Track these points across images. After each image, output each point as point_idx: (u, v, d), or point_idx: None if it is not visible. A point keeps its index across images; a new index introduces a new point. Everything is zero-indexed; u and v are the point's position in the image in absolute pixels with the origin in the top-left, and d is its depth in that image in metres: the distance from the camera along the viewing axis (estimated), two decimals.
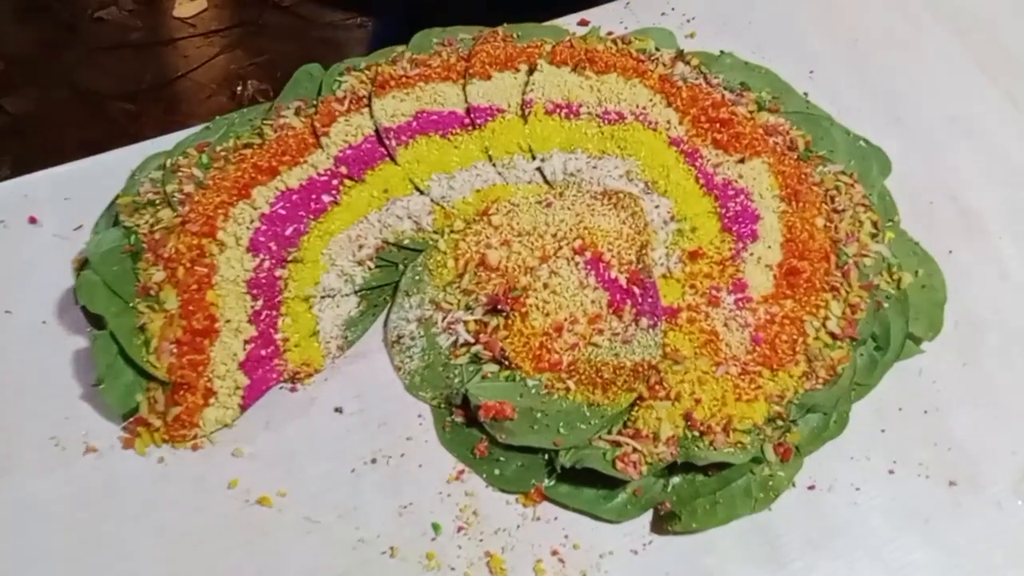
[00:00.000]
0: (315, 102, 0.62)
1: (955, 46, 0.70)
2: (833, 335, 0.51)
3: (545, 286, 0.53)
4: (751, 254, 0.54)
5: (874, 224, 0.56)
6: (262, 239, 0.55)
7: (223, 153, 0.59)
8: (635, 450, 0.48)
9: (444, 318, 0.54)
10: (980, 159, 0.63)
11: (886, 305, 0.53)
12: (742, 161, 0.58)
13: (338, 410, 0.52)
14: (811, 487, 0.49)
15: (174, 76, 1.66)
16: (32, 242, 0.58)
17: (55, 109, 1.59)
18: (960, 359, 0.54)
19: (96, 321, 0.53)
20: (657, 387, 0.49)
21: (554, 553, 0.47)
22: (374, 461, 0.50)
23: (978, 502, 0.50)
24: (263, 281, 0.54)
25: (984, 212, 0.61)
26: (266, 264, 0.55)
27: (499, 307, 0.52)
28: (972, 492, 0.50)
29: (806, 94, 0.65)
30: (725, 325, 0.51)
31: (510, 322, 0.52)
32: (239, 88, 1.64)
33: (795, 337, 0.51)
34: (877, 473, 0.50)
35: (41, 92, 1.62)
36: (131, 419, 0.51)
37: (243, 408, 0.51)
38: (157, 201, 0.57)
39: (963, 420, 0.52)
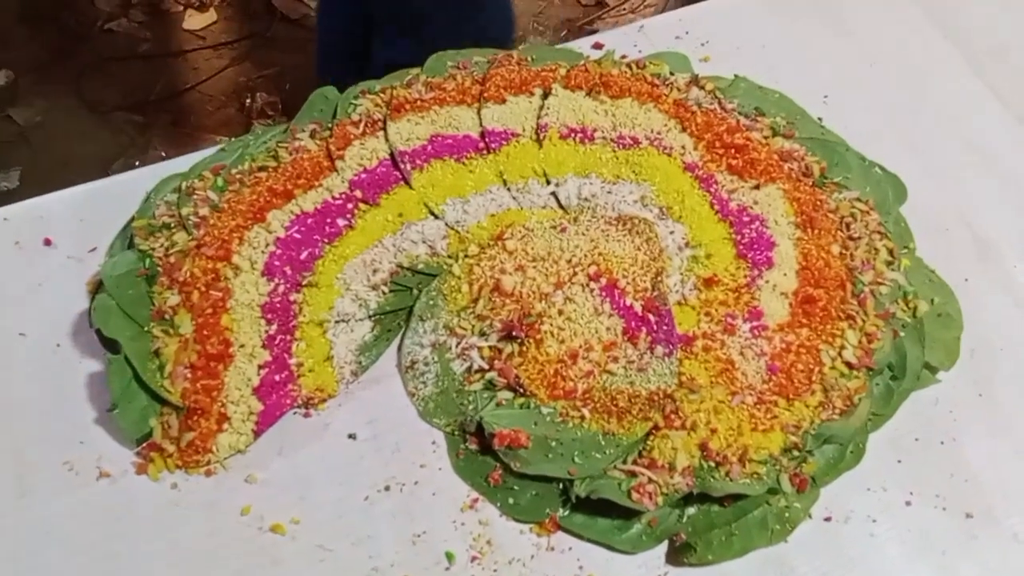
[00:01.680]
0: (330, 125, 0.63)
1: (969, 72, 0.70)
2: (849, 364, 0.51)
3: (560, 312, 0.53)
4: (767, 281, 0.54)
5: (890, 252, 0.56)
6: (277, 263, 0.55)
7: (238, 176, 0.60)
8: (650, 480, 0.47)
9: (458, 344, 0.53)
10: (995, 185, 0.63)
11: (902, 334, 0.53)
12: (757, 187, 0.58)
13: (351, 436, 0.52)
14: (827, 518, 0.49)
15: (183, 88, 1.66)
16: (47, 264, 0.58)
17: (63, 119, 1.59)
18: (976, 389, 0.54)
19: (111, 344, 0.53)
20: (672, 416, 0.49)
21: None
22: (387, 488, 0.50)
23: (994, 535, 0.49)
24: (277, 305, 0.54)
25: (999, 239, 0.60)
26: (281, 288, 0.55)
27: (513, 333, 0.52)
28: (988, 525, 0.49)
29: (820, 119, 0.64)
30: (741, 354, 0.51)
31: (524, 349, 0.52)
32: (248, 100, 1.64)
33: (811, 366, 0.51)
34: (894, 505, 0.50)
35: (49, 102, 1.62)
36: (145, 444, 0.51)
37: (257, 434, 0.51)
38: (172, 224, 0.57)
39: (979, 451, 0.52)
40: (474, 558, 0.48)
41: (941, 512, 0.50)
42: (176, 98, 1.66)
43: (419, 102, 0.63)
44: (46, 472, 0.50)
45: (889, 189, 0.59)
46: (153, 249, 0.56)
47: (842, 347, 0.52)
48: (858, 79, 0.68)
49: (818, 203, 0.57)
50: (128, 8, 1.83)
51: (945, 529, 0.49)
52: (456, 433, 0.51)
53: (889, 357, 0.52)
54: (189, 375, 0.51)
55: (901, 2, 0.74)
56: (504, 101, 0.62)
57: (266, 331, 0.53)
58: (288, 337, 0.54)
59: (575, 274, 0.54)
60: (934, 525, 0.49)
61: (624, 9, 1.78)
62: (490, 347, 0.53)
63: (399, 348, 0.55)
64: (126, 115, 1.63)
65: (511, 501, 0.49)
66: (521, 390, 0.51)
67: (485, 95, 0.63)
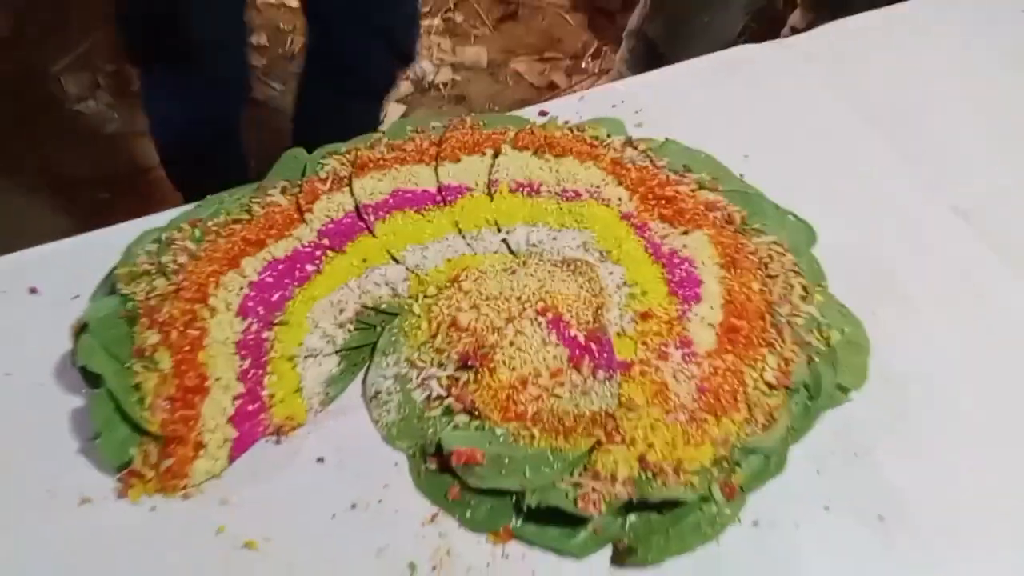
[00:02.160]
0: (300, 182, 0.69)
1: (869, 126, 0.78)
2: (770, 384, 0.57)
3: (511, 344, 0.58)
4: (695, 314, 0.61)
5: (804, 288, 0.63)
6: (251, 304, 0.60)
7: (214, 228, 0.65)
8: (595, 490, 0.52)
9: (419, 375, 0.58)
10: (893, 225, 0.71)
11: (816, 359, 0.59)
12: (686, 233, 0.65)
13: (320, 460, 0.56)
14: (755, 523, 0.54)
15: (150, 166, 1.71)
16: (31, 310, 0.62)
17: (27, 193, 1.63)
18: (885, 407, 0.60)
19: (93, 382, 0.57)
20: (614, 433, 0.54)
21: None
22: (353, 507, 0.54)
23: (907, 538, 0.55)
24: (251, 342, 0.59)
25: (905, 280, 0.68)
26: (254, 327, 0.59)
27: (469, 363, 0.57)
28: (901, 529, 0.55)
29: (742, 175, 0.72)
30: (674, 377, 0.57)
31: (479, 377, 0.57)
32: None
33: (736, 387, 0.57)
34: (814, 511, 0.55)
35: (13, 175, 1.66)
36: (125, 471, 0.54)
37: (231, 460, 0.55)
38: (153, 271, 0.62)
39: (890, 462, 0.58)
40: (435, 567, 0.52)
41: (856, 517, 0.55)
42: (143, 175, 1.72)
43: (381, 161, 0.69)
44: (29, 499, 0.53)
45: (801, 234, 0.66)
46: (134, 293, 0.61)
47: (763, 370, 0.58)
48: (774, 139, 0.77)
49: (739, 246, 0.64)
50: (96, 89, 1.90)
51: (860, 533, 0.54)
52: (417, 455, 0.56)
53: (805, 378, 0.58)
54: (168, 406, 0.55)
55: (811, 69, 0.84)
56: (459, 160, 0.69)
57: (240, 366, 0.58)
58: (261, 371, 0.58)
59: (524, 310, 0.60)
60: (850, 530, 0.55)
61: (575, 90, 1.89)
62: (448, 377, 0.58)
63: (364, 380, 0.60)
64: (92, 190, 1.67)
65: (468, 514, 0.53)
66: (476, 414, 0.56)
67: (441, 155, 0.69)
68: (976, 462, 0.58)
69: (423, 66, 2.03)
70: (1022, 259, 0.70)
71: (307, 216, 0.65)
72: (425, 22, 2.22)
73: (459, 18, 2.24)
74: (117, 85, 1.88)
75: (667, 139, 0.73)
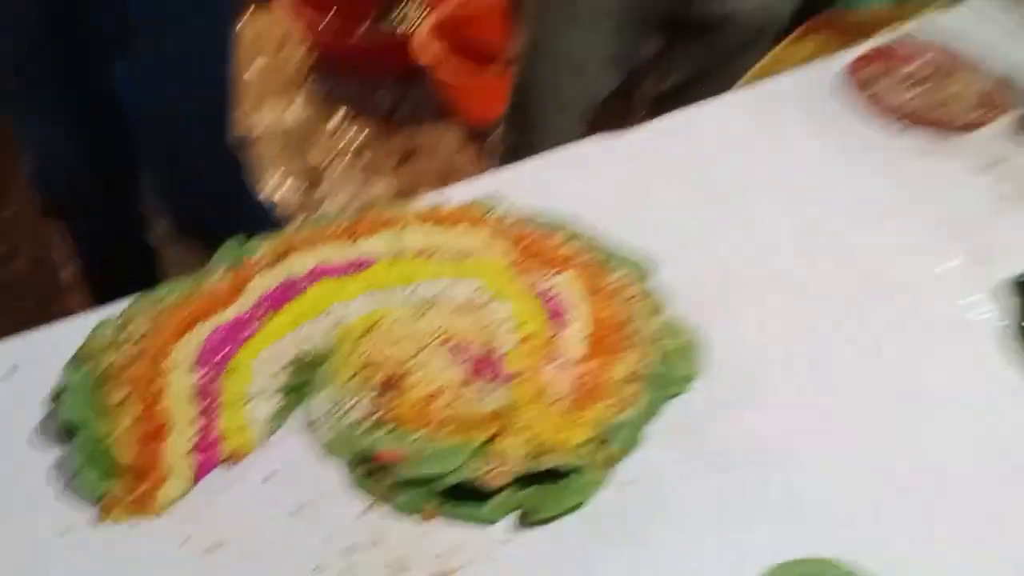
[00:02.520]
0: (237, 265, 0.82)
1: (691, 184, 0.98)
2: (628, 378, 0.72)
3: (421, 369, 0.72)
4: (568, 333, 0.76)
5: (653, 308, 0.79)
6: (204, 358, 0.72)
7: (168, 306, 0.77)
8: (497, 469, 0.65)
9: (348, 401, 0.71)
10: (721, 265, 0.89)
11: (664, 357, 0.75)
12: (557, 274, 0.81)
13: (269, 476, 0.68)
14: (622, 484, 0.68)
15: None
16: (5, 385, 0.73)
17: None
18: (724, 390, 0.76)
19: (68, 434, 0.68)
20: (508, 425, 0.68)
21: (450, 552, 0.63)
22: (302, 508, 0.65)
23: (742, 485, 0.69)
24: (205, 389, 0.71)
25: (733, 292, 0.85)
26: (207, 376, 0.72)
27: (388, 387, 0.71)
28: (740, 478, 0.69)
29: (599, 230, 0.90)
30: (552, 379, 0.71)
31: (397, 396, 0.70)
32: None
33: (602, 382, 0.72)
34: (676, 476, 0.69)
35: None
36: (102, 501, 0.65)
37: (194, 483, 0.66)
38: (117, 342, 0.74)
39: (735, 431, 0.73)
40: (375, 543, 0.63)
41: (699, 475, 0.69)
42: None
43: (306, 242, 0.84)
44: (10, 538, 0.63)
45: (645, 267, 0.83)
46: (101, 362, 0.72)
47: (623, 367, 0.73)
48: (622, 203, 0.94)
49: (599, 280, 0.81)
50: None
51: (705, 483, 0.69)
52: (352, 462, 0.68)
53: (658, 371, 0.73)
54: (137, 445, 0.66)
55: (653, 151, 1.03)
56: (372, 235, 0.84)
57: (197, 408, 0.70)
58: (214, 412, 0.70)
59: (430, 343, 0.74)
60: (695, 481, 0.69)
61: None
62: (372, 399, 0.71)
63: (303, 412, 0.72)
64: None
65: (399, 500, 0.65)
66: (397, 424, 0.69)
67: (356, 233, 0.85)
68: (800, 422, 0.74)
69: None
70: (824, 256, 0.88)
71: (246, 289, 0.79)
72: (331, 167, 2.44)
73: (361, 162, 2.46)
74: None
75: (535, 211, 0.91)
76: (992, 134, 1.07)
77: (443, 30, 2.43)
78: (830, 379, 0.78)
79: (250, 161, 1.53)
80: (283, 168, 2.40)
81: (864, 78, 1.12)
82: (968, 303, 0.86)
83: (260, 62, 2.79)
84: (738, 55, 1.39)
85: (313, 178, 2.39)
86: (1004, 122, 1.08)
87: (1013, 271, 0.88)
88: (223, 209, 1.41)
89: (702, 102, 1.11)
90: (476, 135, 2.46)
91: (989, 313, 0.85)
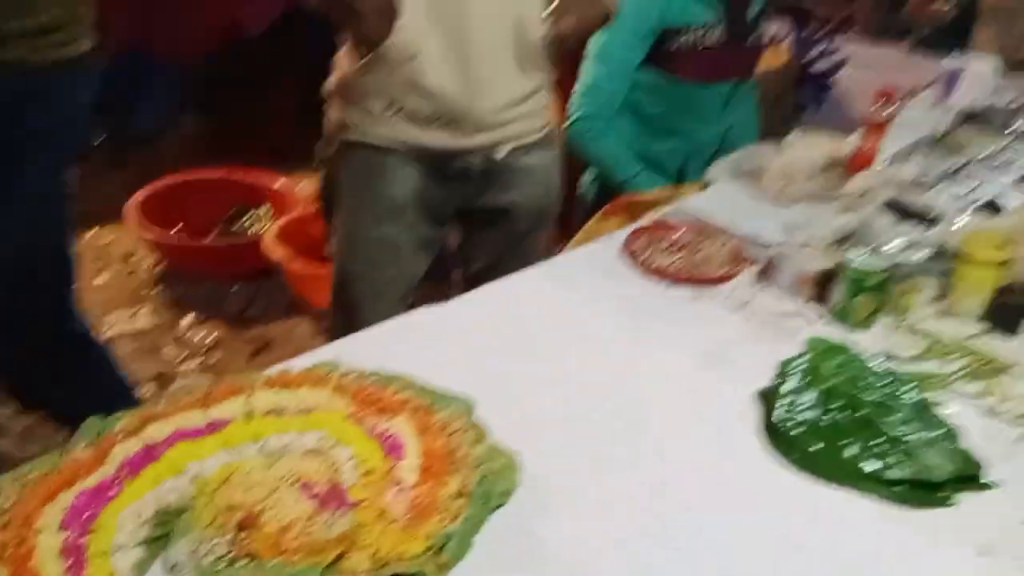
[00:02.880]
0: (98, 439, 0.91)
1: (506, 336, 1.16)
2: (455, 496, 0.85)
3: (274, 507, 0.82)
4: (403, 465, 0.89)
5: (476, 437, 0.94)
6: (68, 521, 0.79)
7: (32, 479, 0.84)
8: None
9: (207, 544, 0.80)
10: (533, 399, 1.06)
11: (486, 477, 0.89)
12: (392, 418, 0.95)
13: None
14: None
15: None
16: None
17: None
18: (536, 503, 0.90)
19: None
20: (353, 545, 0.79)
21: None
22: None
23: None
24: (71, 547, 0.78)
25: (544, 420, 1.01)
26: (72, 536, 0.79)
27: (244, 527, 0.80)
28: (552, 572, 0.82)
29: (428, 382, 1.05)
30: (390, 503, 0.83)
31: (253, 533, 0.80)
32: None
33: (433, 501, 0.84)
34: (493, 570, 0.82)
35: None
36: None
37: None
38: None
39: (549, 535, 0.86)
40: None
41: (516, 565, 0.82)
42: None
43: (163, 414, 0.94)
44: None
45: (466, 406, 0.99)
46: None
47: (450, 488, 0.86)
48: (452, 359, 1.11)
49: (429, 417, 0.95)
50: None
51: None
52: None
53: (482, 488, 0.87)
54: None
55: (474, 315, 1.22)
56: (223, 401, 0.95)
57: (64, 565, 0.76)
58: (81, 567, 0.77)
59: (282, 485, 0.85)
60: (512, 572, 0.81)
61: None
62: (228, 540, 0.80)
63: (164, 560, 0.80)
64: None
65: None
66: (253, 557, 0.78)
67: (209, 401, 0.96)
68: (605, 524, 0.89)
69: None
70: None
71: (108, 457, 0.87)
72: (182, 366, 2.50)
73: (214, 359, 2.54)
74: None
75: (372, 371, 1.05)
76: (740, 283, 1.34)
77: (288, 232, 2.64)
78: (627, 485, 0.95)
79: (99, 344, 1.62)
80: (130, 375, 2.43)
81: (636, 248, 1.38)
82: (732, 411, 1.07)
83: (109, 272, 2.86)
84: (528, 236, 1.64)
85: (163, 381, 2.43)
86: (748, 273, 1.36)
87: (760, 385, 1.10)
88: (63, 385, 1.47)
89: (512, 274, 1.33)
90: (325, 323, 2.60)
91: (747, 418, 1.05)
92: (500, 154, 1.51)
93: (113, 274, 2.86)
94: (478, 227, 1.65)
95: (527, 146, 1.55)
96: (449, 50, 1.39)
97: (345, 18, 1.41)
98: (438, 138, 1.47)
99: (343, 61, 1.49)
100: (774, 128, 2.20)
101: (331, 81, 1.53)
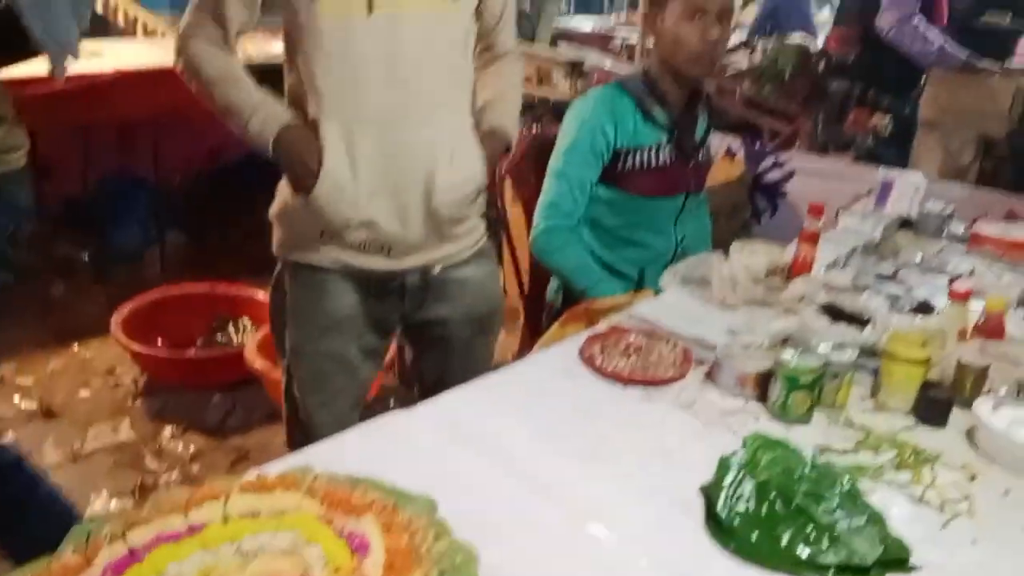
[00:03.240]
0: (87, 543, 0.97)
1: (466, 439, 1.24)
2: None
3: None
4: (369, 562, 0.96)
5: (437, 534, 1.02)
6: None
7: None
8: None
9: None
10: (492, 496, 1.14)
11: (447, 571, 0.96)
12: (359, 518, 1.02)
13: None
14: None
15: None
16: None
17: None
18: None
19: None
20: None
21: None
22: None
23: None
24: None
25: (502, 515, 1.09)
26: None
27: None
28: None
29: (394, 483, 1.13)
30: None
31: None
32: None
33: None
34: None
35: None
36: None
37: None
38: None
39: None
40: None
41: None
42: None
43: (145, 519, 1.01)
44: None
45: (429, 506, 1.06)
46: None
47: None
48: (416, 463, 1.19)
49: (393, 516, 1.03)
50: None
51: None
52: None
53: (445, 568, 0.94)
54: None
55: (435, 421, 1.30)
56: (202, 505, 1.03)
57: None
58: None
59: None
60: None
61: None
62: None
63: None
64: None
65: None
66: None
67: (190, 505, 1.03)
68: None
69: None
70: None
71: (94, 561, 0.94)
72: (163, 478, 2.54)
73: (194, 470, 2.59)
74: None
75: (340, 474, 1.13)
76: (688, 383, 1.44)
77: (269, 342, 2.72)
78: (579, 574, 1.02)
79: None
80: (112, 487, 2.46)
81: (592, 353, 1.49)
82: (677, 503, 1.15)
83: (92, 386, 2.92)
84: (472, 343, 1.75)
85: (144, 493, 2.46)
86: (695, 373, 1.47)
87: (704, 479, 1.18)
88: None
89: (472, 381, 1.43)
90: None
91: (691, 509, 1.13)
92: (435, 271, 1.63)
93: (96, 387, 2.92)
94: (424, 338, 1.75)
95: (460, 262, 1.67)
96: (380, 183, 1.49)
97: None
98: (373, 262, 1.58)
99: (284, 188, 1.59)
100: (732, 235, 2.36)
101: (274, 205, 1.63)
